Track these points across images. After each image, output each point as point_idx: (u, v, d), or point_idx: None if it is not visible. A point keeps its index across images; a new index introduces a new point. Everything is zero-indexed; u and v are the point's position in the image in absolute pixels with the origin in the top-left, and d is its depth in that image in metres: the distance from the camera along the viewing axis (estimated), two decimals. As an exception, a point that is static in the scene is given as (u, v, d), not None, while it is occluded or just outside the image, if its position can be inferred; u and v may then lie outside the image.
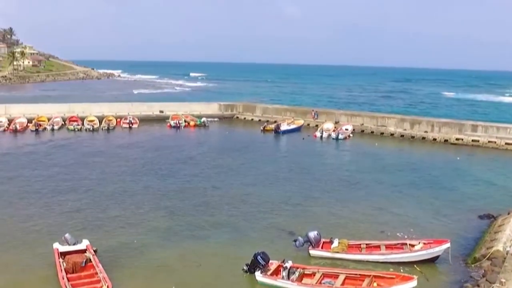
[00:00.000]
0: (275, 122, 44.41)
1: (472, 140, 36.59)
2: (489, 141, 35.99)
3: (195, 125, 44.93)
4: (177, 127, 43.67)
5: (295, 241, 15.92)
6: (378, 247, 15.91)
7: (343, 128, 41.47)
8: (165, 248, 15.93)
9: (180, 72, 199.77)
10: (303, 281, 13.73)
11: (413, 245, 15.40)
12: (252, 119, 49.47)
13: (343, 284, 13.51)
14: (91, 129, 41.21)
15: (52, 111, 44.51)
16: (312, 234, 15.80)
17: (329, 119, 44.80)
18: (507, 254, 14.76)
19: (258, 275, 13.89)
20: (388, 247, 15.87)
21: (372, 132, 41.68)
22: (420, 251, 14.91)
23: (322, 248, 15.84)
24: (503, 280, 12.77)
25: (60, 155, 30.63)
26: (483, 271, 14.07)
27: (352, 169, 28.48)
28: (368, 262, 15.08)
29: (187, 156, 31.04)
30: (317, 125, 43.72)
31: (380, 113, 47.04)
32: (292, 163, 29.62)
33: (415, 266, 14.61)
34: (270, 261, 14.29)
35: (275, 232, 17.60)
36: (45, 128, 40.75)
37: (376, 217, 19.44)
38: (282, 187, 23.77)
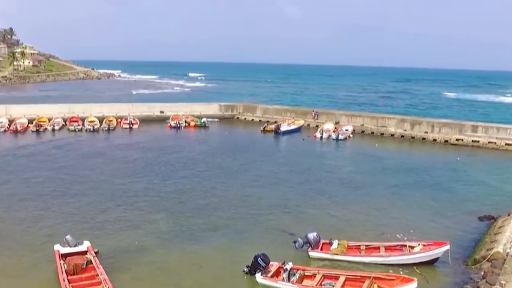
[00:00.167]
0: (275, 122, 44.42)
1: (472, 141, 36.62)
2: (489, 142, 36.03)
3: (195, 126, 44.95)
4: (177, 127, 43.70)
5: (294, 242, 15.96)
6: (378, 248, 15.93)
7: (343, 128, 41.49)
8: (165, 250, 15.96)
9: (180, 72, 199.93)
10: (303, 283, 13.76)
11: (412, 247, 15.41)
12: (252, 120, 49.50)
13: (343, 285, 13.54)
14: (92, 129, 41.24)
15: (52, 112, 44.53)
16: (312, 236, 15.83)
17: (329, 119, 44.83)
18: (507, 255, 14.76)
19: (258, 276, 13.92)
20: (387, 248, 15.89)
21: (373, 132, 41.70)
22: (419, 253, 14.92)
23: (321, 249, 15.87)
24: (503, 282, 12.79)
25: (61, 156, 30.65)
26: (483, 273, 14.06)
27: (352, 170, 28.50)
28: (367, 263, 15.09)
29: (188, 157, 31.06)
30: (317, 126, 43.75)
31: (380, 114, 47.04)
32: (292, 164, 29.63)
33: (414, 268, 14.63)
34: (271, 263, 14.32)
35: (275, 234, 17.62)
36: (45, 129, 40.77)
37: (376, 219, 19.45)
38: (282, 188, 23.79)
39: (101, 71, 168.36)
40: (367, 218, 19.54)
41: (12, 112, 43.72)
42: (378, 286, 13.19)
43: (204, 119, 45.63)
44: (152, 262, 14.99)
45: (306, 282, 13.86)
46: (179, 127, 43.89)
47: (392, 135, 40.60)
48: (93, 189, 22.80)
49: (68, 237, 15.10)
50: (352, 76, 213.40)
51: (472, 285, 13.54)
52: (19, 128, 39.70)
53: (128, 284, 13.62)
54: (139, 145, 34.89)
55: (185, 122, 45.38)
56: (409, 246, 15.53)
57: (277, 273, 14.08)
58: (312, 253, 15.74)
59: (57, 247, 14.79)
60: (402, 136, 40.01)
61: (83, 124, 42.20)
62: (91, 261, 14.12)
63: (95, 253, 14.76)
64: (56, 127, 41.28)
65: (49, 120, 42.59)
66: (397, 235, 17.32)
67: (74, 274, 13.53)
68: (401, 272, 14.13)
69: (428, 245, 15.26)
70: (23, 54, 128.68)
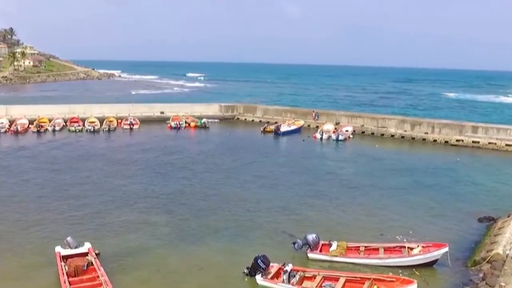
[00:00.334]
0: (275, 123, 44.47)
1: (473, 142, 36.67)
2: (489, 143, 36.07)
3: (195, 126, 44.98)
4: (177, 128, 43.76)
5: (294, 243, 15.99)
6: (377, 249, 15.96)
7: (343, 129, 41.52)
8: (166, 251, 16.00)
9: (180, 72, 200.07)
10: (303, 284, 13.80)
11: (411, 248, 15.43)
12: (252, 120, 49.54)
13: (343, 287, 13.57)
14: (92, 130, 41.30)
15: (53, 112, 44.60)
16: (311, 237, 15.87)
17: (330, 120, 44.87)
18: (507, 257, 14.78)
19: (258, 278, 13.96)
20: (386, 249, 15.91)
21: (373, 133, 41.73)
22: (417, 256, 14.92)
23: (320, 251, 15.91)
24: (502, 284, 12.82)
25: (61, 157, 30.66)
26: (482, 274, 14.10)
27: (352, 171, 28.54)
28: (366, 265, 15.12)
29: (188, 158, 31.10)
30: (317, 126, 43.79)
31: (380, 114, 47.05)
32: (292, 165, 29.66)
33: (414, 269, 14.65)
34: (271, 264, 14.36)
35: (275, 235, 17.65)
36: (46, 129, 40.81)
37: (376, 220, 19.48)
38: (282, 189, 23.82)
39: (102, 71, 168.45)
40: (367, 219, 19.57)
41: (13, 112, 43.78)
42: (378, 288, 13.23)
43: (204, 120, 45.67)
44: (153, 263, 15.04)
45: (306, 283, 13.90)
46: (180, 127, 43.94)
47: (393, 135, 40.63)
48: (94, 191, 22.83)
49: (69, 238, 15.12)
50: (352, 76, 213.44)
51: (472, 286, 13.59)
52: (19, 129, 39.73)
53: (129, 286, 13.66)
54: (140, 146, 34.92)
55: (186, 122, 45.44)
56: (408, 248, 15.55)
57: (277, 275, 14.11)
58: (311, 255, 15.78)
59: (58, 249, 14.81)
60: (403, 137, 40.04)
61: (83, 125, 42.25)
62: (92, 262, 14.15)
63: (96, 254, 14.80)
64: (57, 128, 41.33)
65: (50, 120, 42.64)
66: (397, 237, 17.33)
67: (75, 276, 13.56)
68: (401, 274, 14.16)
69: (427, 246, 15.27)
70: (23, 54, 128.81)
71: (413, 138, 39.46)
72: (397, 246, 15.98)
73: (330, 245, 15.93)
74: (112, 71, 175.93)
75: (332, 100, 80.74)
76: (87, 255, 14.57)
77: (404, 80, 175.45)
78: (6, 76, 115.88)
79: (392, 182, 25.62)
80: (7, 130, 39.86)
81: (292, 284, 13.56)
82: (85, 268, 13.89)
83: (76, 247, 14.89)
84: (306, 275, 14.17)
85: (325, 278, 14.02)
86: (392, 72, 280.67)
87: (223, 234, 17.66)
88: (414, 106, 73.56)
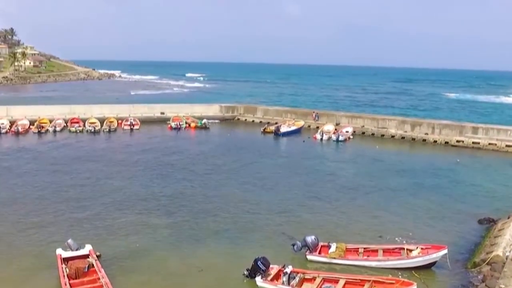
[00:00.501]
0: (276, 123, 44.51)
1: (473, 142, 36.71)
2: (489, 143, 36.12)
3: (196, 127, 45.02)
4: (178, 128, 43.80)
5: (293, 245, 16.02)
6: (376, 251, 15.99)
7: (344, 130, 41.54)
8: (166, 253, 16.04)
9: (180, 72, 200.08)
10: (303, 286, 13.86)
11: (410, 250, 15.45)
12: (253, 121, 49.58)
13: (343, 289, 13.61)
14: (93, 130, 41.35)
15: (53, 113, 44.66)
16: (310, 239, 15.89)
17: (330, 121, 44.91)
18: (506, 259, 14.81)
19: (258, 280, 13.99)
20: (385, 251, 15.93)
21: (373, 134, 41.75)
22: (416, 258, 14.92)
23: (319, 252, 15.94)
24: (502, 286, 12.86)
25: (62, 158, 30.66)
26: (482, 276, 14.13)
27: (352, 172, 28.57)
28: (364, 267, 15.14)
29: (188, 158, 31.14)
30: (317, 127, 43.84)
31: (380, 115, 47.04)
32: (292, 166, 29.70)
33: (413, 272, 14.67)
34: (271, 266, 14.39)
35: (274, 236, 17.69)
36: (47, 130, 40.86)
37: (375, 221, 19.50)
38: (282, 191, 23.86)
39: (102, 71, 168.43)
40: (366, 220, 19.59)
41: (13, 113, 43.83)
42: (377, 290, 13.26)
43: (204, 120, 45.71)
44: (153, 265, 15.08)
45: (306, 285, 13.94)
46: (180, 128, 43.98)
47: (393, 136, 40.66)
48: (94, 192, 22.87)
49: (69, 241, 15.17)
50: (352, 76, 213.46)
51: (472, 288, 13.61)
52: (20, 130, 39.77)
53: (129, 287, 13.70)
54: (140, 147, 34.97)
55: (186, 123, 45.50)
56: (407, 249, 15.58)
57: (277, 277, 14.15)
58: (310, 257, 15.81)
59: (59, 251, 14.86)
60: (403, 138, 40.07)
61: (84, 125, 42.34)
62: (93, 264, 14.20)
63: (97, 256, 14.84)
64: (58, 128, 41.38)
65: (50, 121, 42.70)
66: (396, 239, 17.35)
67: (76, 278, 13.60)
68: (400, 276, 14.19)
69: (426, 248, 15.30)
70: (24, 54, 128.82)
71: (413, 139, 39.50)
72: (396, 248, 16.01)
73: (329, 246, 15.97)
74: (112, 71, 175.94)
75: (332, 101, 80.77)
76: (88, 257, 14.62)
77: (404, 80, 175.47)
78: (6, 77, 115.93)
79: (392, 183, 25.64)
80: (8, 130, 39.90)
81: (292, 286, 13.61)
82: (86, 270, 13.94)
83: (77, 249, 14.94)
84: (306, 277, 14.20)
85: (325, 280, 14.04)
86: (392, 72, 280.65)
87: (223, 235, 17.70)
88: (414, 106, 73.56)
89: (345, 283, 13.75)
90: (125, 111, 46.90)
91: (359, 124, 43.33)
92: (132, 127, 43.20)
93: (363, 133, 42.25)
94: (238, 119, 51.03)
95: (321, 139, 39.42)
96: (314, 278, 14.14)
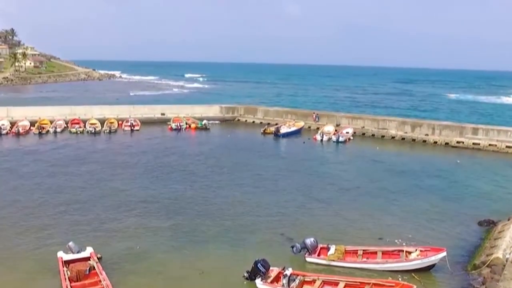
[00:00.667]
0: (276, 124, 44.53)
1: (473, 143, 36.73)
2: (489, 144, 36.12)
3: (196, 128, 45.06)
4: (178, 129, 43.84)
5: (292, 247, 16.05)
6: (375, 253, 16.00)
7: (344, 131, 41.56)
8: (167, 256, 16.08)
9: (180, 72, 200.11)
10: (303, 289, 13.86)
11: (409, 252, 15.46)
12: (253, 122, 49.63)
13: (343, 291, 13.64)
14: (93, 131, 41.40)
15: (54, 114, 44.72)
16: (309, 241, 15.92)
17: (330, 121, 44.93)
18: (506, 261, 14.82)
19: (258, 282, 14.02)
20: (384, 253, 15.93)
21: (373, 135, 41.78)
22: (415, 260, 14.93)
23: (319, 254, 15.96)
24: (502, 288, 12.87)
25: (62, 159, 30.66)
26: (482, 279, 14.13)
27: (352, 173, 28.59)
28: (364, 269, 15.17)
29: (188, 160, 31.17)
30: (318, 128, 43.88)
31: (381, 116, 47.03)
32: (292, 167, 29.70)
33: (412, 274, 14.70)
34: (271, 268, 14.42)
35: (274, 238, 17.72)
36: (47, 131, 40.91)
37: (375, 223, 19.53)
38: (281, 192, 23.88)
39: (102, 72, 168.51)
40: (366, 222, 19.61)
41: (14, 114, 43.90)
42: (377, 292, 13.29)
43: (205, 121, 45.75)
44: (154, 267, 15.12)
45: (306, 287, 13.96)
46: (180, 129, 44.03)
47: (393, 137, 40.67)
48: (95, 194, 22.88)
49: (70, 243, 15.20)
50: (352, 76, 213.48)
51: (471, 291, 13.62)
52: (21, 131, 39.83)
53: (130, 290, 13.77)
54: (141, 148, 35.02)
55: (186, 124, 45.54)
56: (406, 252, 15.58)
57: (277, 279, 14.18)
58: (309, 259, 15.83)
59: (60, 254, 14.89)
60: (403, 139, 40.09)
61: (84, 126, 42.40)
62: (94, 267, 14.23)
63: (98, 258, 14.87)
64: (58, 129, 41.42)
65: (51, 122, 42.76)
66: (396, 241, 17.36)
67: (77, 281, 13.62)
68: (400, 278, 14.22)
69: (425, 250, 15.31)
70: (24, 55, 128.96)
71: (413, 140, 39.52)
72: (395, 250, 16.01)
73: (328, 248, 15.99)
74: (112, 72, 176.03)
75: (333, 101, 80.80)
76: (89, 260, 14.65)
77: (405, 81, 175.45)
78: (7, 77, 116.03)
79: (392, 184, 25.67)
80: (9, 131, 39.95)
81: (292, 288, 13.63)
82: (87, 272, 13.96)
83: (78, 252, 14.97)
84: (305, 279, 14.23)
85: (324, 282, 14.08)
86: (392, 72, 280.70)
87: (224, 238, 17.72)
88: (414, 107, 73.59)
89: (345, 286, 13.78)
90: (125, 112, 46.96)
91: (359, 125, 43.35)
92: (132, 128, 43.23)
93: (363, 134, 42.28)
94: (238, 120, 51.08)
95: (321, 140, 39.44)
96: (314, 281, 14.17)
